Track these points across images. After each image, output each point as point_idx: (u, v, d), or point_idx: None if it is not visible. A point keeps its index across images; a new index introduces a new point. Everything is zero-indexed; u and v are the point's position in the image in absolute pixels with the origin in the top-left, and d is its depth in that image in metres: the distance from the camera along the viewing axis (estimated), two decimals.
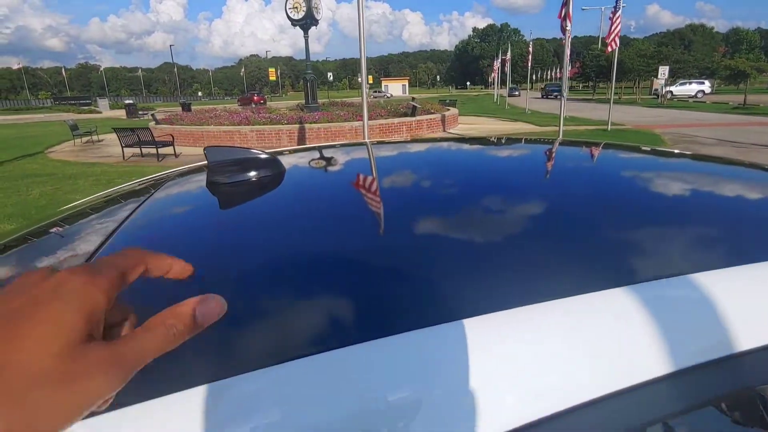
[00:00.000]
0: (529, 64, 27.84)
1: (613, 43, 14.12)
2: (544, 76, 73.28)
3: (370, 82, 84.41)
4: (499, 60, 35.79)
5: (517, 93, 45.94)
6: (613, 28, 14.00)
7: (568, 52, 10.38)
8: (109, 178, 8.26)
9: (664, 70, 27.50)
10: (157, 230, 0.77)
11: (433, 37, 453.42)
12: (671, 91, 33.35)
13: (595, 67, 48.50)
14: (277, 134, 12.06)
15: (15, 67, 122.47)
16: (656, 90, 34.73)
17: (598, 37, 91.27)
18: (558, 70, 61.20)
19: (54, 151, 12.93)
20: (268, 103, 36.25)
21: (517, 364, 0.39)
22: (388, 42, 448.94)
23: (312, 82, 14.89)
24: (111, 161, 10.52)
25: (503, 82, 39.26)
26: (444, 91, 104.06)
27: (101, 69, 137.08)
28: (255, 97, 41.27)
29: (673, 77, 43.59)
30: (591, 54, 53.38)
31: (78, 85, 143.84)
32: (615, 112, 14.51)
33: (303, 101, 16.06)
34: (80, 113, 39.20)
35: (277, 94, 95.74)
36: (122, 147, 10.71)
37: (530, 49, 27.66)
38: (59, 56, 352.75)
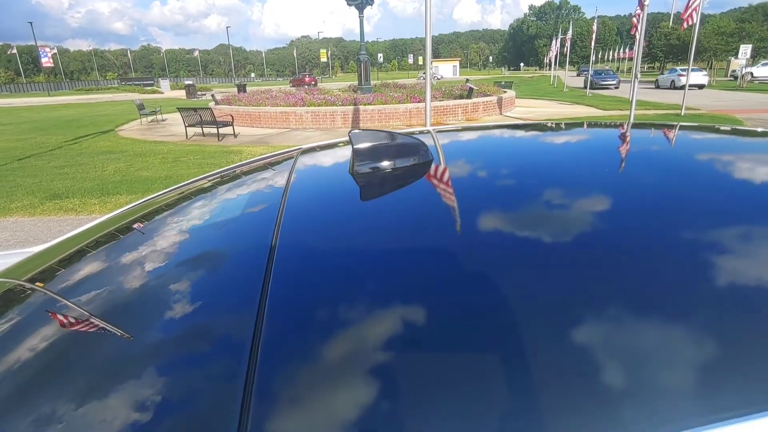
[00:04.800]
0: (593, 44, 26.20)
1: (689, 19, 12.95)
2: (606, 57, 68.97)
3: (420, 62, 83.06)
4: (558, 39, 34.02)
5: (612, 82, 26.84)
6: (691, 1, 12.82)
7: (643, 29, 9.62)
8: (176, 156, 8.62)
9: (745, 49, 25.12)
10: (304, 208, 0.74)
11: (485, 15, 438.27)
12: (751, 73, 30.38)
13: (664, 47, 45.13)
14: (331, 115, 12.11)
15: (86, 49, 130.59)
16: (734, 71, 31.78)
17: (669, 14, 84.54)
18: (620, 50, 57.34)
19: (123, 129, 13.68)
20: (319, 84, 36.54)
21: None
22: (438, 22, 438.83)
23: (365, 63, 14.78)
24: (175, 140, 10.97)
25: (561, 63, 37.38)
26: (496, 72, 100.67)
27: (162, 51, 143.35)
28: (307, 78, 41.69)
29: (755, 57, 39.75)
30: (659, 32, 49.58)
31: (141, 66, 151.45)
32: (688, 95, 13.41)
33: (354, 83, 16.01)
34: (144, 93, 41.29)
35: (327, 76, 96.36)
36: (186, 126, 11.14)
37: (594, 27, 26.00)
38: (123, 39, 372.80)
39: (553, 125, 1.44)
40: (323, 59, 67.51)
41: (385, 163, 0.76)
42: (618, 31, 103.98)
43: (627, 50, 51.09)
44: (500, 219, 0.63)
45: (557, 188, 0.75)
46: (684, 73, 24.15)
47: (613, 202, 0.67)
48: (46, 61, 44.21)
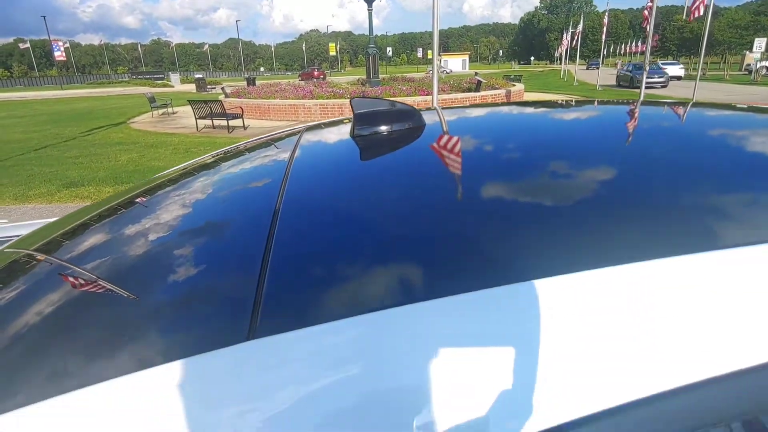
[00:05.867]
0: (603, 37, 25.94)
1: (696, 11, 12.79)
2: (618, 51, 68.07)
3: (429, 56, 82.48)
4: (569, 33, 33.68)
5: (660, 80, 21.95)
6: None
7: (653, 20, 9.57)
8: (186, 147, 8.78)
9: (760, 43, 24.70)
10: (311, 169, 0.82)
11: (495, 9, 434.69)
12: (766, 67, 29.82)
13: (677, 40, 44.46)
14: (340, 108, 12.19)
15: (96, 43, 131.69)
16: (748, 65, 31.23)
17: (683, 7, 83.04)
18: (633, 43, 56.53)
19: (135, 121, 13.89)
20: (327, 78, 36.60)
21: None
22: (448, 15, 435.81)
23: (374, 57, 14.82)
24: (186, 132, 11.14)
25: (572, 57, 37.01)
26: (506, 66, 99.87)
27: (172, 45, 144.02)
28: (315, 72, 41.80)
29: None
30: (673, 25, 48.79)
31: (151, 60, 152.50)
32: (700, 89, 13.27)
33: (362, 76, 16.08)
34: (154, 87, 41.62)
35: (336, 70, 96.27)
36: (196, 119, 11.30)
37: (605, 20, 25.72)
38: (134, 33, 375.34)
39: (558, 102, 1.49)
40: (332, 53, 67.38)
41: (383, 127, 0.85)
42: (630, 25, 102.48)
43: (639, 44, 50.36)
44: (487, 169, 0.72)
45: (546, 141, 0.84)
46: (665, 66, 27.18)
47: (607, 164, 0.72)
48: (59, 55, 44.73)
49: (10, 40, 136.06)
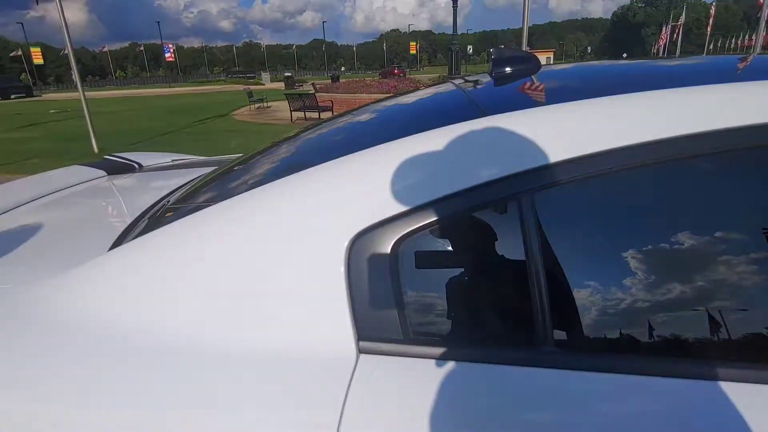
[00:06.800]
0: (708, 30, 23.81)
1: None
2: (728, 45, 61.40)
3: None
4: (669, 26, 31.21)
5: None
6: None
7: (766, 12, 8.87)
8: (284, 133, 9.73)
9: None
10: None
11: (584, 4, 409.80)
12: None
13: None
14: None
15: (197, 46, 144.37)
16: None
17: None
18: (747, 37, 50.71)
19: (236, 114, 15.39)
20: (407, 75, 37.22)
21: None
22: (532, 12, 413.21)
23: (457, 53, 15.07)
24: (281, 123, 12.23)
25: (671, 53, 34.22)
26: None
27: (263, 47, 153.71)
28: (396, 70, 42.73)
29: None
30: None
31: (243, 61, 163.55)
32: None
33: (441, 74, 16.39)
34: (247, 84, 44.89)
35: (415, 69, 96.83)
36: (291, 110, 12.36)
37: (712, 11, 23.60)
38: (227, 36, 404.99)
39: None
40: (413, 52, 67.97)
41: (509, 68, 1.25)
42: (744, 16, 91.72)
43: (754, 37, 45.15)
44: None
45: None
46: None
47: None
48: (169, 56, 49.89)
49: (126, 44, 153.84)
